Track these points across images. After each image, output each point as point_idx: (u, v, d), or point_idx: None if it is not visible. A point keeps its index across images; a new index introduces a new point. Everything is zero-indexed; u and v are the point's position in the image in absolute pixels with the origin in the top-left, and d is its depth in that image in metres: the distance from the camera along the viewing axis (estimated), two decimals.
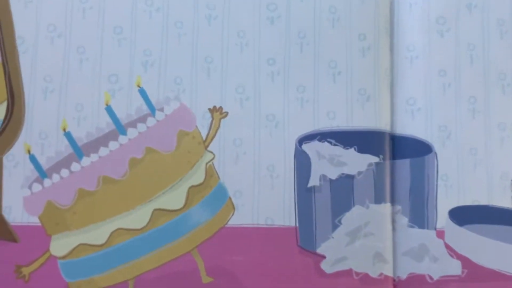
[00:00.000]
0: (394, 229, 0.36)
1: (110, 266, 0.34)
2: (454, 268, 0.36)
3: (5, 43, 0.35)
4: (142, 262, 0.34)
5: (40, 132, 0.35)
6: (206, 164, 0.35)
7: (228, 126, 0.36)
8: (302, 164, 0.36)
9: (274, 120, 0.36)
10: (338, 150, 0.36)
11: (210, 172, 0.35)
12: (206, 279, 0.34)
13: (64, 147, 0.35)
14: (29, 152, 0.35)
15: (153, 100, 0.35)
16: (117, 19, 0.36)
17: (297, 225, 0.36)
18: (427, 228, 0.36)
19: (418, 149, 0.37)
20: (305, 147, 0.36)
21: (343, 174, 0.36)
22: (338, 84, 0.36)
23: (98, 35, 0.36)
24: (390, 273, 0.35)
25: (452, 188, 0.37)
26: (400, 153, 0.37)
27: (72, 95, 0.35)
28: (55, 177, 0.34)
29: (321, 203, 0.36)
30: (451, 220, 0.37)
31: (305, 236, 0.36)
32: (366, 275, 0.35)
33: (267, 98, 0.36)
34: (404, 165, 0.37)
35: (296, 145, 0.36)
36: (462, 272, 0.36)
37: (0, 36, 0.35)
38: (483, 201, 0.37)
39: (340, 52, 0.36)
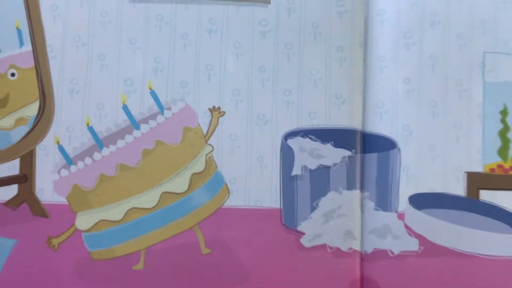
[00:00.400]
0: (362, 211, 0.43)
1: (125, 238, 0.40)
2: (412, 245, 0.43)
3: (38, 50, 0.41)
4: (152, 235, 0.41)
5: (67, 127, 0.41)
6: (206, 155, 0.42)
7: (225, 124, 0.42)
8: (287, 156, 0.43)
9: (264, 119, 0.42)
10: (317, 145, 0.43)
11: (210, 162, 0.42)
12: (205, 250, 0.41)
13: (88, 139, 0.41)
14: (58, 143, 0.41)
15: (162, 100, 0.42)
16: (132, 31, 0.42)
17: (282, 207, 0.42)
18: (390, 211, 0.43)
19: (385, 145, 0.44)
20: (290, 142, 0.43)
21: (321, 165, 0.43)
22: (318, 89, 0.43)
23: (116, 45, 0.42)
24: (358, 248, 0.42)
25: (412, 178, 0.44)
26: (369, 148, 0.44)
27: (94, 96, 0.42)
28: (80, 164, 0.40)
29: (302, 189, 0.42)
30: (411, 204, 0.43)
31: (288, 216, 0.42)
32: (338, 249, 0.42)
33: (258, 100, 0.42)
34: (372, 158, 0.43)
35: (282, 140, 0.43)
36: (419, 248, 0.43)
37: (33, 44, 0.41)
38: (439, 189, 0.44)
39: (321, 62, 0.43)
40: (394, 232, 0.44)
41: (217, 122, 0.42)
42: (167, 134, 0.41)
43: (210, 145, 0.42)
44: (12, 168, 0.41)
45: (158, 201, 0.41)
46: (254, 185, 0.42)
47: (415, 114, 0.44)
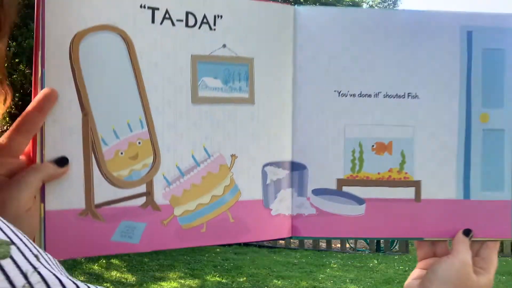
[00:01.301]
0: (292, 197, 0.94)
1: (197, 218, 0.85)
2: (313, 211, 0.95)
3: (150, 131, 0.82)
4: (209, 215, 0.86)
5: (167, 167, 0.84)
6: (230, 177, 0.88)
7: (238, 163, 0.89)
8: (264, 175, 0.92)
9: (254, 160, 0.90)
10: (276, 169, 0.92)
11: (232, 180, 0.88)
12: (231, 220, 0.88)
13: (177, 172, 0.84)
14: (163, 175, 0.84)
15: (209, 152, 0.87)
16: (195, 119, 0.85)
17: (263, 198, 0.92)
18: (304, 197, 0.95)
19: (301, 167, 0.95)
20: (265, 168, 0.91)
21: (278, 178, 0.92)
22: (275, 147, 0.92)
23: (187, 127, 0.85)
24: (291, 213, 0.93)
25: (312, 181, 0.95)
26: (295, 169, 0.95)
27: (178, 152, 0.84)
28: (174, 185, 0.84)
29: (270, 189, 0.92)
30: (312, 193, 0.96)
31: (265, 201, 0.91)
32: (284, 214, 0.93)
33: (252, 152, 0.90)
34: (296, 174, 0.94)
35: (262, 168, 0.91)
36: (316, 212, 0.96)
37: (148, 127, 0.82)
38: (325, 186, 0.97)
39: (281, 135, 0.92)
40: (305, 206, 0.92)
41: (234, 161, 0.89)
42: (212, 168, 0.87)
43: (232, 172, 0.89)
44: (141, 189, 0.82)
45: (210, 200, 0.87)
46: (251, 189, 0.90)
47: (313, 155, 0.96)
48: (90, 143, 0.77)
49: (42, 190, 0.74)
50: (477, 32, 0.95)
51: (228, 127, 0.87)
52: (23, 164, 0.73)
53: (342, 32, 0.94)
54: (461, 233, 0.92)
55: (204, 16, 0.85)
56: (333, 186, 0.91)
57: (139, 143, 0.81)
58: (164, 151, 0.83)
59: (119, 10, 0.79)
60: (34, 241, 0.72)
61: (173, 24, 0.83)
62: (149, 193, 0.82)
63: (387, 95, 0.96)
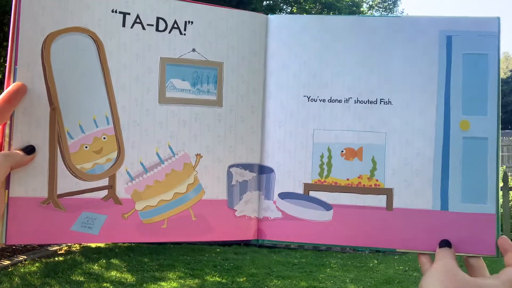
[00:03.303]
0: (259, 200, 0.95)
1: (159, 213, 0.88)
2: (279, 214, 0.96)
3: (116, 127, 0.86)
4: (170, 212, 0.89)
5: (131, 162, 0.87)
6: (194, 175, 0.91)
7: (202, 162, 0.92)
8: (229, 176, 0.93)
9: (219, 160, 0.92)
10: (242, 171, 0.94)
11: (196, 179, 0.90)
12: (194, 218, 0.90)
13: (140, 168, 0.88)
14: (126, 170, 0.87)
15: (174, 150, 0.90)
16: (160, 117, 0.89)
17: (227, 198, 0.93)
18: (270, 200, 0.96)
19: (269, 170, 0.96)
20: (231, 169, 0.93)
21: (244, 180, 0.94)
22: (244, 146, 0.94)
23: (153, 125, 0.89)
24: (257, 216, 0.95)
25: (279, 185, 0.96)
26: (263, 172, 0.96)
27: (143, 148, 0.88)
28: (137, 180, 0.87)
29: (235, 190, 0.94)
30: (279, 197, 0.96)
31: (230, 202, 0.93)
32: (249, 217, 0.94)
33: (217, 152, 0.92)
34: (263, 177, 0.95)
35: (227, 169, 0.93)
36: (282, 216, 0.96)
37: (114, 123, 0.86)
38: (285, 190, 0.98)
39: (245, 137, 0.94)
40: (271, 209, 0.92)
41: (199, 161, 0.91)
42: (176, 166, 0.89)
43: (196, 171, 0.91)
44: (104, 182, 0.86)
45: (172, 196, 0.89)
46: (215, 189, 0.92)
47: (281, 159, 0.98)
48: (56, 136, 0.81)
49: (8, 177, 0.78)
50: (457, 36, 0.92)
51: (194, 127, 0.89)
52: None
53: (313, 39, 0.97)
54: (443, 243, 0.87)
55: (175, 22, 0.89)
56: (300, 190, 0.91)
57: (104, 138, 0.85)
58: (129, 147, 0.86)
59: (91, 14, 0.84)
60: None
61: (143, 28, 0.87)
62: (111, 187, 0.85)
63: (358, 100, 0.96)
